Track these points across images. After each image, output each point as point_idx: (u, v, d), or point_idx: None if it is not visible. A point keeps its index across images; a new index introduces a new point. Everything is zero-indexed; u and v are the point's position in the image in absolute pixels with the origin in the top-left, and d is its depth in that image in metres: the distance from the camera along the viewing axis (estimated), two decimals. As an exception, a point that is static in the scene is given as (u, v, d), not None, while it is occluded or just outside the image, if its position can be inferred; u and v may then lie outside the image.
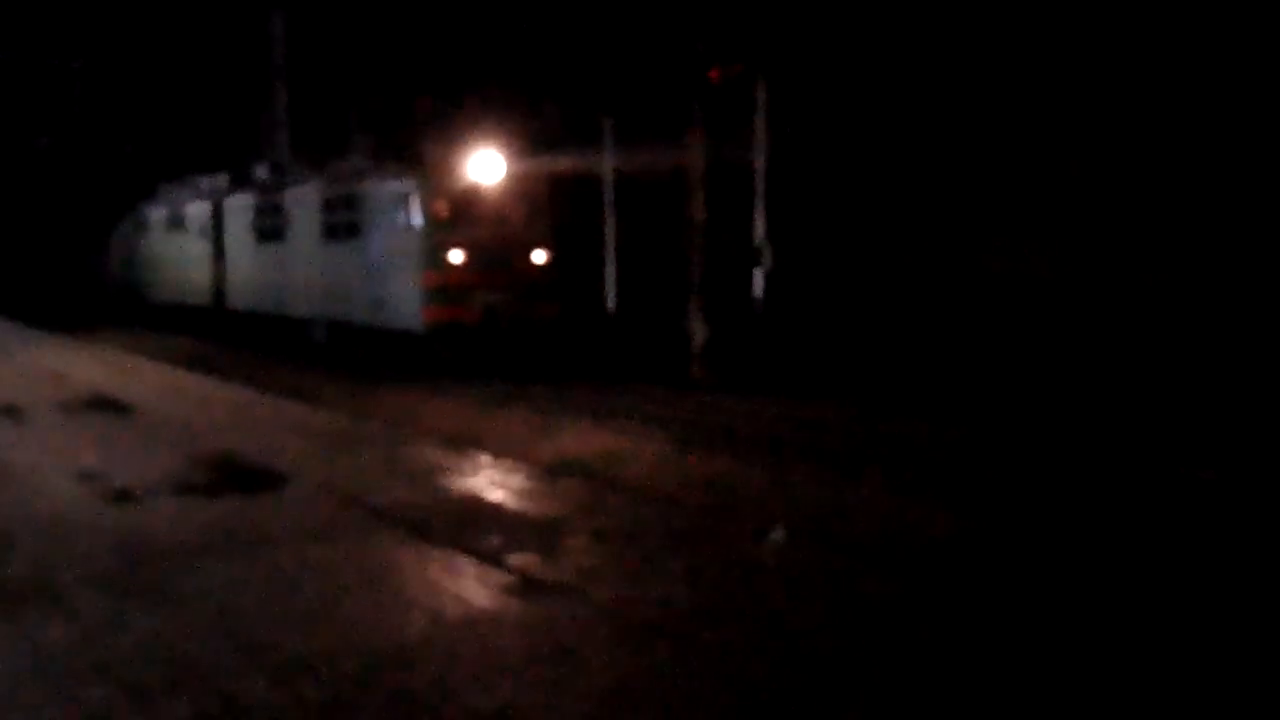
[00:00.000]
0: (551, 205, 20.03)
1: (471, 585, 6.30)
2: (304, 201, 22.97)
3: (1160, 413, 13.16)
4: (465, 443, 11.48)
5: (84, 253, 46.91)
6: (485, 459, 10.35)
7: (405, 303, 18.91)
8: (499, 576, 6.43)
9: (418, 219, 18.67)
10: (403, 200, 19.02)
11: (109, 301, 41.69)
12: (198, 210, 29.39)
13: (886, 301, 18.70)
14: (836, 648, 5.26)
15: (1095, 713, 4.68)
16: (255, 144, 39.03)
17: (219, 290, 27.73)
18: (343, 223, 21.11)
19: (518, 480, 9.40)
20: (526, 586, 6.24)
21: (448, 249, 18.45)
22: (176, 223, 31.33)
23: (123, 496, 8.61)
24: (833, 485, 10.16)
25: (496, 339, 18.78)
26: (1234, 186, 15.15)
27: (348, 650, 5.14)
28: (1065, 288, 17.20)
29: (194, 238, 29.38)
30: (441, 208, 18.70)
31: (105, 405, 14.11)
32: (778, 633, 5.46)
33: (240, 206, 26.49)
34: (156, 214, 33.66)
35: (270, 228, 24.56)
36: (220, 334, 27.38)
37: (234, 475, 9.46)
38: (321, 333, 22.56)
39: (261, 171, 26.90)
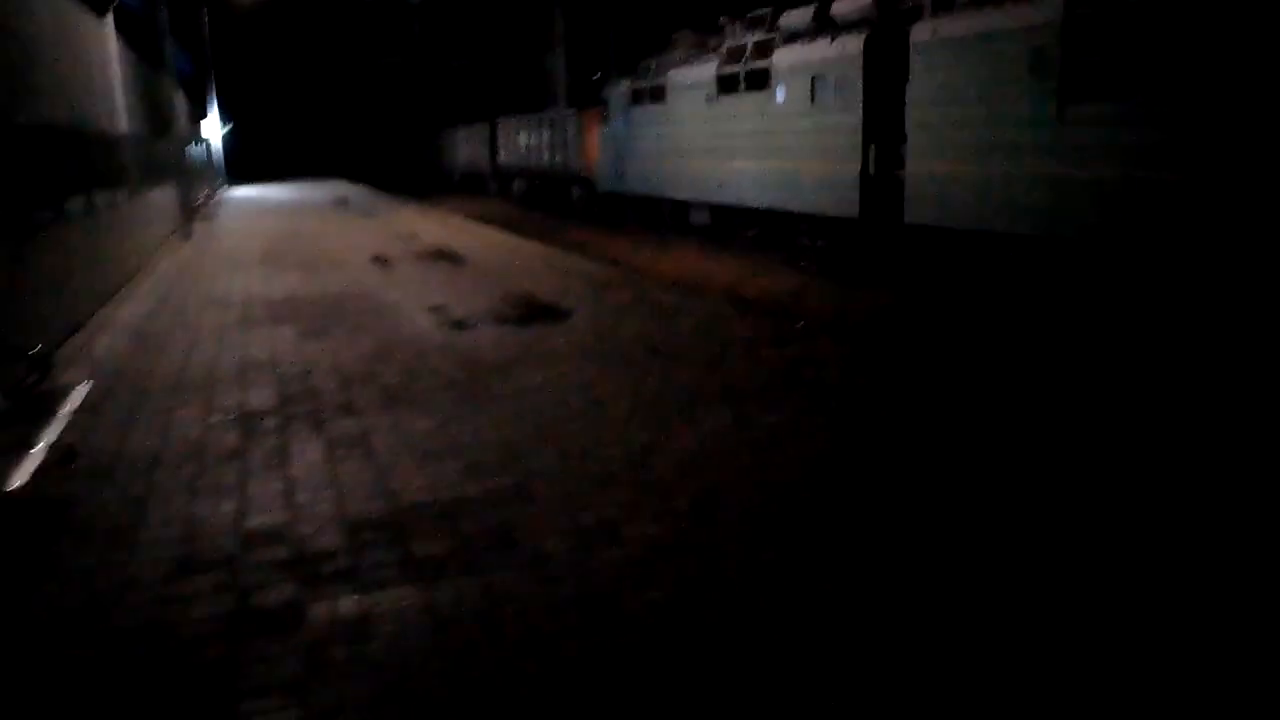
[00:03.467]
0: None
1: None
2: None
3: None
4: None
5: (424, 149, 50.92)
6: None
7: None
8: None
9: None
10: None
11: (444, 182, 44.89)
12: (809, 57, 14.80)
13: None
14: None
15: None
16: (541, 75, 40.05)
17: (881, 190, 13.59)
18: None
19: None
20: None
21: None
22: (747, 84, 16.53)
23: (459, 324, 9.58)
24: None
25: None
26: None
27: (615, 443, 5.76)
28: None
29: (793, 105, 15.21)
30: None
31: (443, 256, 15.33)
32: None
33: (969, 34, 11.75)
34: (684, 78, 18.83)
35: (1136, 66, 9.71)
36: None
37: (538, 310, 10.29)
38: None
39: None
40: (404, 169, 52.69)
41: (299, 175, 55.55)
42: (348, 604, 3.72)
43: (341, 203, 31.53)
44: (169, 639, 3.49)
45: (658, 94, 20.22)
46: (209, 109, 37.75)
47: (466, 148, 41.59)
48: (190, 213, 20.29)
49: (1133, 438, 5.48)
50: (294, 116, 60.74)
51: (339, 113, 61.24)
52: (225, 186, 40.47)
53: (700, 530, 4.35)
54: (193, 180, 25.54)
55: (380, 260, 14.93)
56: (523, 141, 31.30)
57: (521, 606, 3.66)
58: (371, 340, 8.81)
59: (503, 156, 34.42)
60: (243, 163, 49.89)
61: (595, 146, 24.39)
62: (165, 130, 19.78)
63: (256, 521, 4.57)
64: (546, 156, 28.85)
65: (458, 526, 4.46)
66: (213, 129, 38.81)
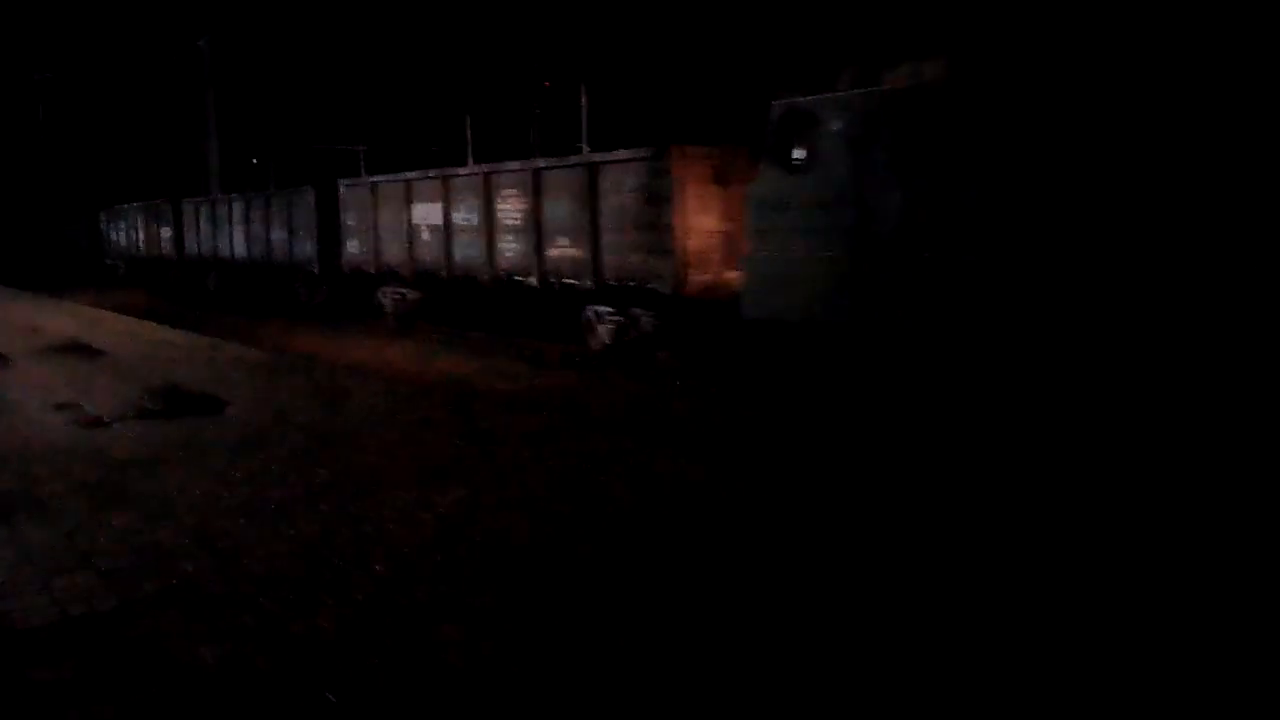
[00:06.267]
0: None
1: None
2: None
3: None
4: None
5: (55, 234, 45.89)
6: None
7: None
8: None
9: None
10: None
11: (76, 270, 40.02)
12: None
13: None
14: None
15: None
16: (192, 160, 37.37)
17: None
18: None
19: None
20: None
21: None
22: None
23: (94, 422, 8.49)
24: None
25: None
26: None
27: (280, 537, 5.29)
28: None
29: None
30: None
31: (77, 350, 13.66)
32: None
33: None
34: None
35: None
36: None
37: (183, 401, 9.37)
38: None
39: None
40: (34, 259, 46.51)
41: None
42: (-61, 755, 3.05)
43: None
44: None
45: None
46: None
47: (241, 231, 23.09)
48: None
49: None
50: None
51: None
52: None
53: (378, 617, 4.05)
54: None
55: (-4, 357, 13.00)
56: (458, 218, 15.00)
57: (168, 728, 3.19)
58: (-20, 446, 7.56)
59: (390, 250, 16.83)
60: None
61: (715, 225, 11.32)
62: None
63: None
64: (521, 247, 13.76)
65: (88, 647, 3.84)
66: None
